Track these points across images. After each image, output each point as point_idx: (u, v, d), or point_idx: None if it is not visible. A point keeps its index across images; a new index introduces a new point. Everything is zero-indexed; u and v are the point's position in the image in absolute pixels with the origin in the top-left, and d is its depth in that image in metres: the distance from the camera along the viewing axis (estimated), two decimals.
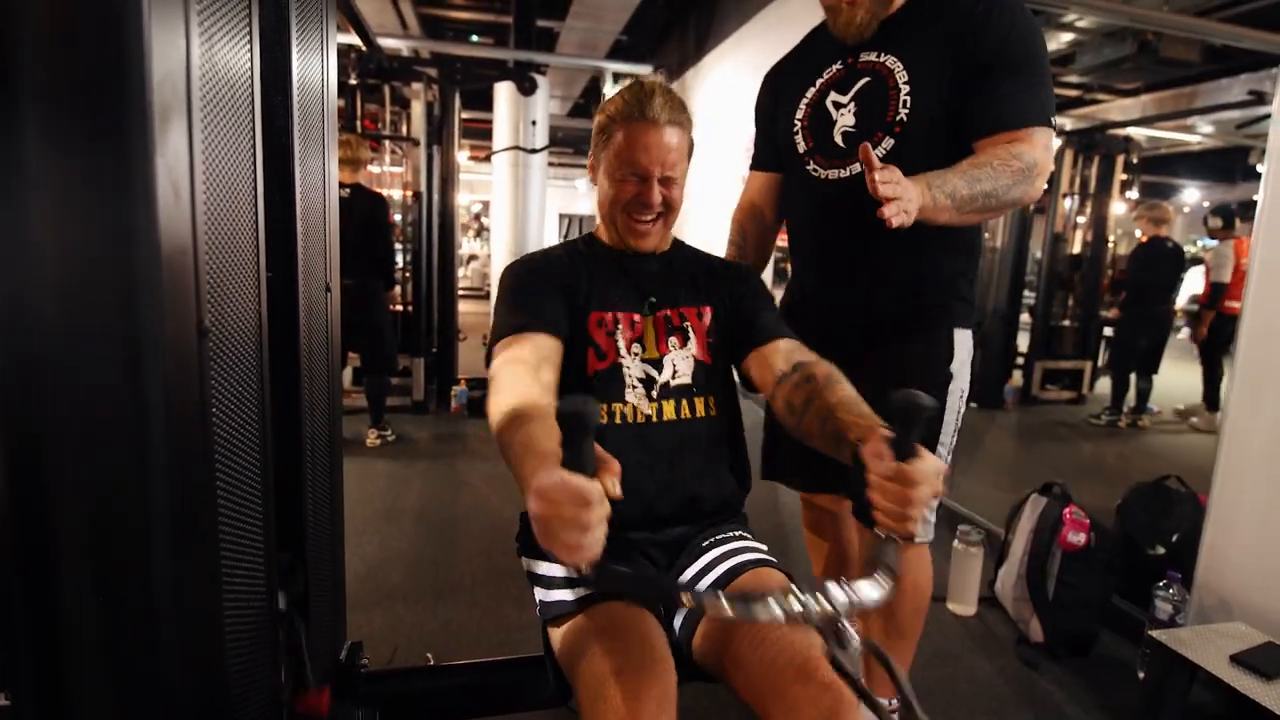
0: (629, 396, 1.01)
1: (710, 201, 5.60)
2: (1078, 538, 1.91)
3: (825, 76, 1.27)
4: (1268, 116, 1.67)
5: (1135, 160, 5.63)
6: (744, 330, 1.07)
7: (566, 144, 11.31)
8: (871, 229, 1.14)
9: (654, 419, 1.01)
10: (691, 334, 1.06)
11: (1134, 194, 5.94)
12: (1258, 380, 1.66)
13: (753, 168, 1.49)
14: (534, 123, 5.36)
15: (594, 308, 1.03)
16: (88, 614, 0.55)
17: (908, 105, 1.16)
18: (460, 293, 4.91)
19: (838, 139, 1.23)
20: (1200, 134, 6.93)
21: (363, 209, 3.23)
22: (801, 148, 1.29)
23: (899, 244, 1.15)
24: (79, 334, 0.51)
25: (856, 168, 1.19)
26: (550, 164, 7.65)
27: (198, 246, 0.56)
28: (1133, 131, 5.84)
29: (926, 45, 1.16)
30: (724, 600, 0.58)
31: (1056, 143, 1.12)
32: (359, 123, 4.33)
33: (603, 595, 0.91)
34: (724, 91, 5.64)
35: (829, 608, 0.57)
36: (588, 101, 10.11)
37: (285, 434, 0.89)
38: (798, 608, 0.57)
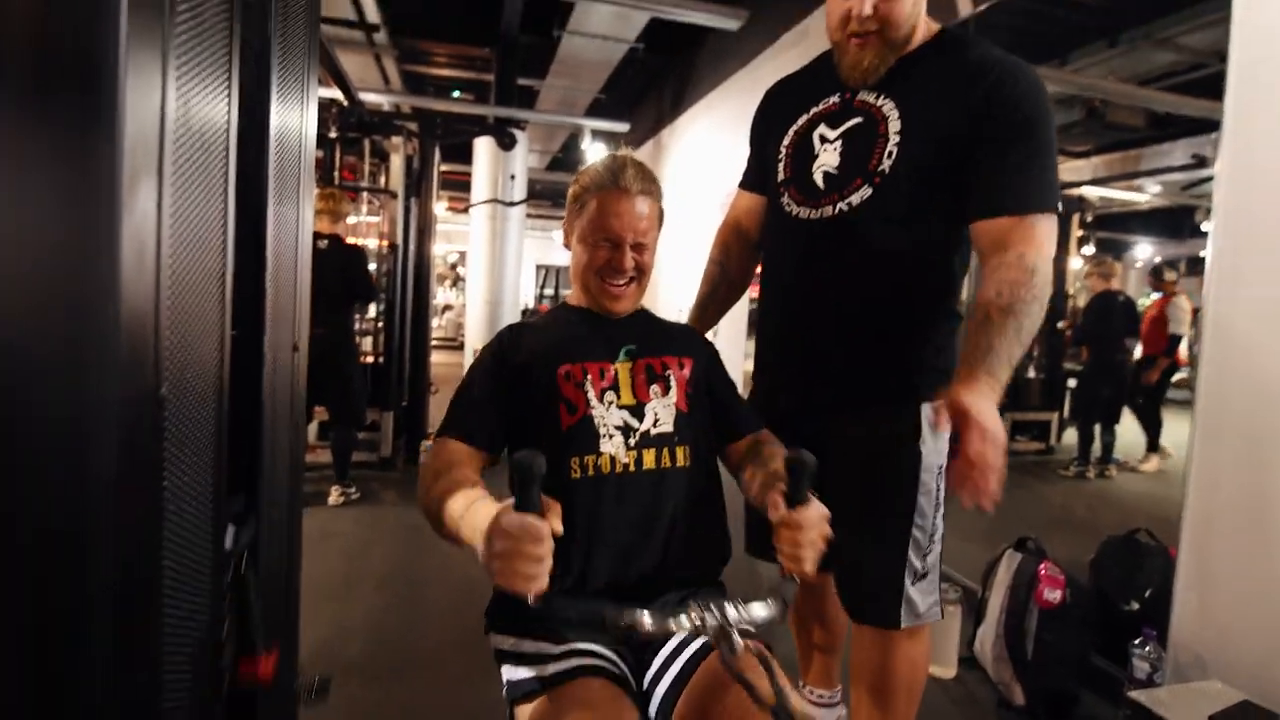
0: (604, 447, 0.99)
1: (684, 257, 5.70)
2: (1054, 594, 1.91)
3: (820, 106, 1.23)
4: (1211, 178, 1.75)
5: (1089, 218, 5.89)
6: (719, 420, 1.11)
7: (544, 197, 11.49)
8: (834, 273, 1.17)
9: (632, 468, 0.99)
10: (673, 382, 1.06)
11: (1090, 250, 6.19)
12: (1217, 431, 1.70)
13: (741, 185, 1.45)
14: (513, 177, 5.46)
15: (560, 361, 1.03)
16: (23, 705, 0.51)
17: (892, 156, 1.11)
18: (434, 343, 4.86)
19: (816, 177, 1.19)
20: (1149, 194, 7.29)
21: (339, 261, 3.23)
22: (780, 175, 1.27)
23: (862, 292, 1.15)
24: (27, 406, 0.48)
25: (829, 210, 1.17)
26: (528, 215, 7.72)
27: (160, 311, 0.54)
28: (1086, 191, 6.13)
29: (930, 98, 1.12)
30: (645, 617, 0.73)
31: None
32: (337, 173, 4.36)
33: (570, 674, 0.88)
34: (698, 150, 5.81)
35: (725, 620, 0.73)
36: (566, 155, 10.33)
37: (244, 501, 0.86)
38: (700, 621, 0.73)
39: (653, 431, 1.02)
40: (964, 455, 0.88)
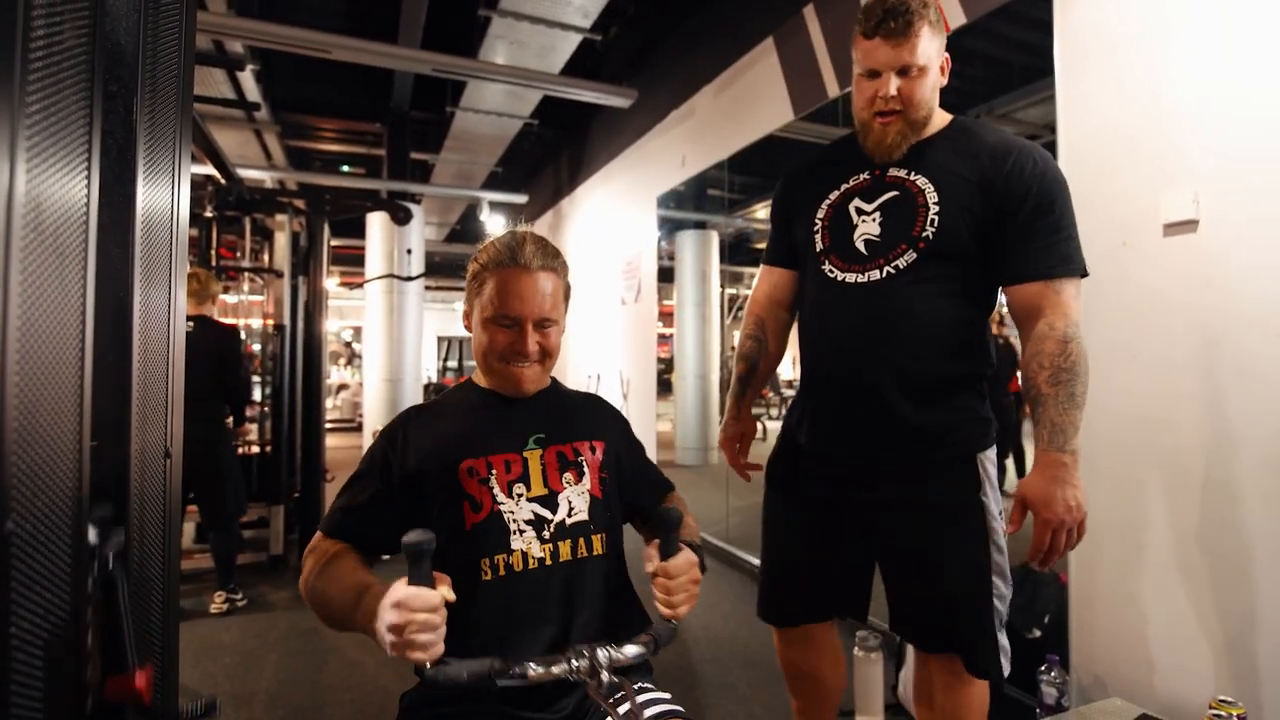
0: (515, 543, 0.94)
1: (590, 324, 5.75)
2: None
3: (851, 183, 1.30)
4: None
5: None
6: (633, 491, 1.10)
7: (444, 269, 11.35)
8: (885, 331, 1.21)
9: (547, 561, 0.95)
10: (586, 469, 1.02)
11: None
12: (1087, 459, 1.84)
13: (768, 263, 1.50)
14: (409, 251, 5.37)
15: (462, 456, 0.97)
16: None
17: (935, 224, 1.19)
18: (329, 426, 4.58)
19: (859, 245, 1.25)
20: None
21: (208, 345, 2.95)
22: (819, 245, 1.31)
23: (913, 349, 1.20)
24: None
25: (876, 274, 1.22)
26: (427, 288, 7.56)
27: (4, 433, 0.47)
28: None
29: (957, 178, 1.20)
30: (531, 666, 0.80)
31: None
32: (214, 252, 4.11)
33: None
34: (598, 217, 5.96)
35: (596, 661, 0.82)
36: (465, 227, 10.30)
37: (108, 630, 0.75)
38: (578, 663, 0.81)
39: (568, 521, 0.98)
40: (1035, 543, 1.09)
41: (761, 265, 1.54)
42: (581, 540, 0.98)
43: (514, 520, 0.95)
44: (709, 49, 4.09)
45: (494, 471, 0.97)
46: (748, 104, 3.65)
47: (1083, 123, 1.88)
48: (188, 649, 2.58)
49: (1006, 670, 1.23)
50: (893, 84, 1.20)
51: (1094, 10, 1.85)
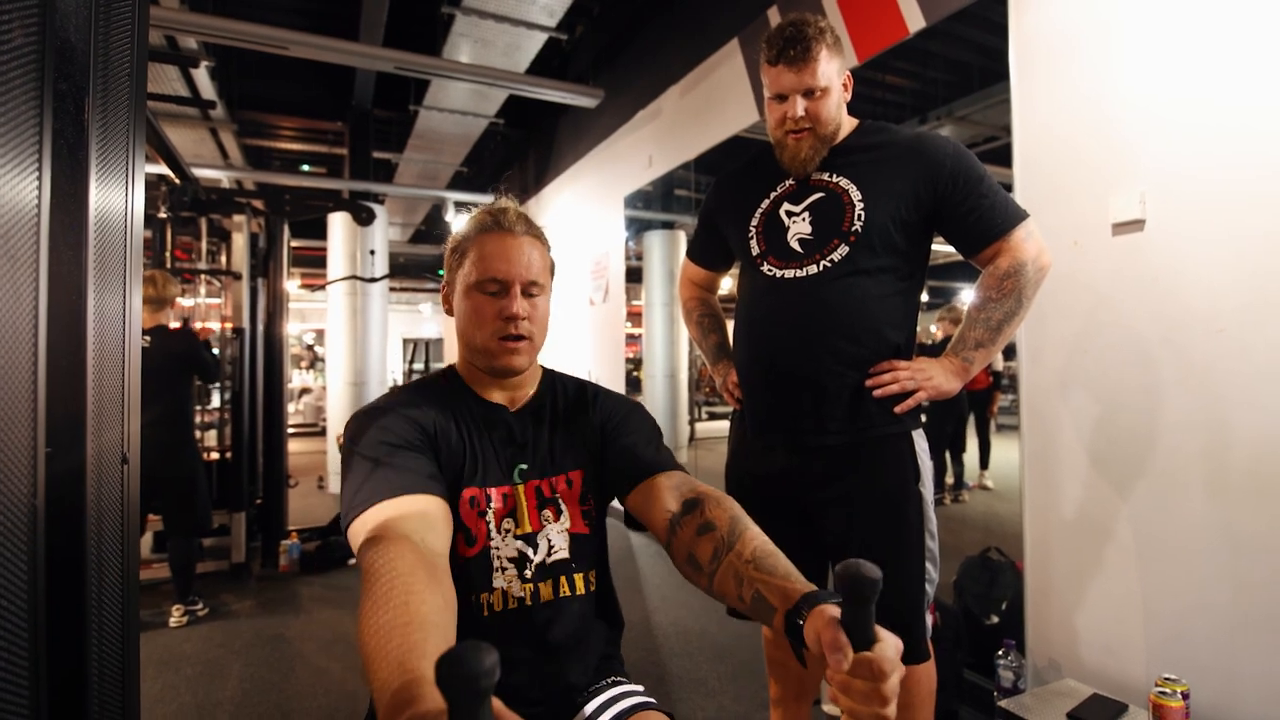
0: (497, 582, 0.92)
1: (559, 325, 5.73)
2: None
3: (778, 190, 1.40)
4: None
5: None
6: (622, 465, 0.99)
7: (408, 270, 11.17)
8: (820, 316, 1.30)
9: (528, 601, 0.92)
10: (563, 506, 0.98)
11: (924, 297, 6.96)
12: (1042, 452, 1.92)
13: (695, 261, 1.65)
14: (372, 252, 5.28)
15: (467, 482, 0.93)
16: None
17: (862, 218, 1.29)
18: (291, 431, 4.47)
19: (793, 244, 1.35)
20: None
21: (166, 354, 2.88)
22: (755, 250, 1.40)
23: (852, 332, 1.30)
24: None
25: (813, 268, 1.31)
26: (392, 290, 7.42)
27: None
28: None
29: (877, 175, 1.31)
30: None
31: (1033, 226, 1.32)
32: (169, 254, 3.99)
33: None
34: (566, 217, 5.93)
35: None
36: (430, 228, 10.16)
37: (65, 639, 0.73)
38: None
39: (548, 561, 0.95)
40: (897, 365, 1.31)
41: (685, 259, 1.66)
42: (563, 579, 0.96)
43: (499, 557, 0.93)
44: (675, 50, 4.11)
45: (491, 504, 0.94)
46: (714, 105, 3.68)
47: (1036, 124, 1.95)
48: (148, 660, 2.50)
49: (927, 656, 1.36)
50: (799, 105, 1.30)
51: (1047, 13, 1.92)
